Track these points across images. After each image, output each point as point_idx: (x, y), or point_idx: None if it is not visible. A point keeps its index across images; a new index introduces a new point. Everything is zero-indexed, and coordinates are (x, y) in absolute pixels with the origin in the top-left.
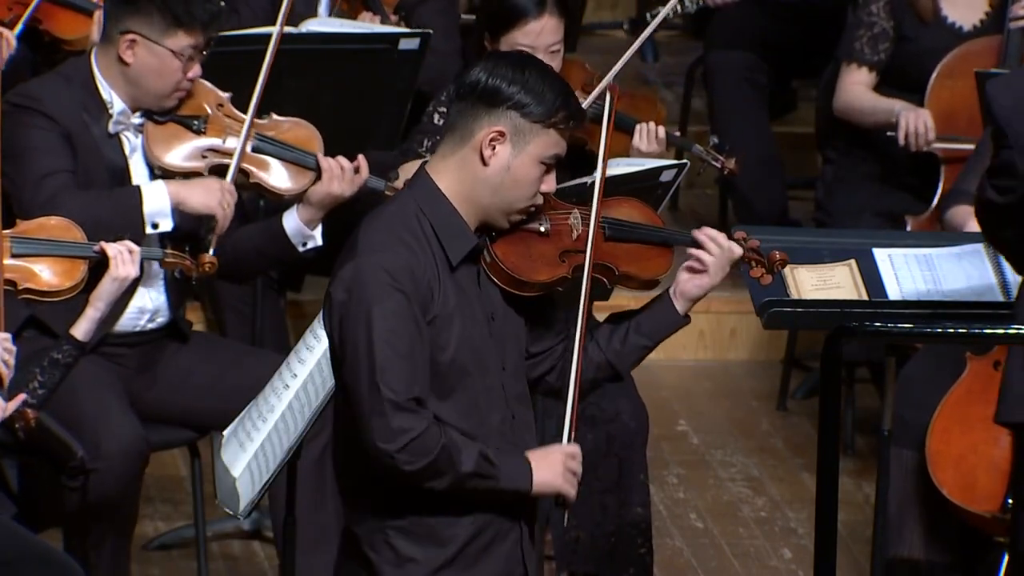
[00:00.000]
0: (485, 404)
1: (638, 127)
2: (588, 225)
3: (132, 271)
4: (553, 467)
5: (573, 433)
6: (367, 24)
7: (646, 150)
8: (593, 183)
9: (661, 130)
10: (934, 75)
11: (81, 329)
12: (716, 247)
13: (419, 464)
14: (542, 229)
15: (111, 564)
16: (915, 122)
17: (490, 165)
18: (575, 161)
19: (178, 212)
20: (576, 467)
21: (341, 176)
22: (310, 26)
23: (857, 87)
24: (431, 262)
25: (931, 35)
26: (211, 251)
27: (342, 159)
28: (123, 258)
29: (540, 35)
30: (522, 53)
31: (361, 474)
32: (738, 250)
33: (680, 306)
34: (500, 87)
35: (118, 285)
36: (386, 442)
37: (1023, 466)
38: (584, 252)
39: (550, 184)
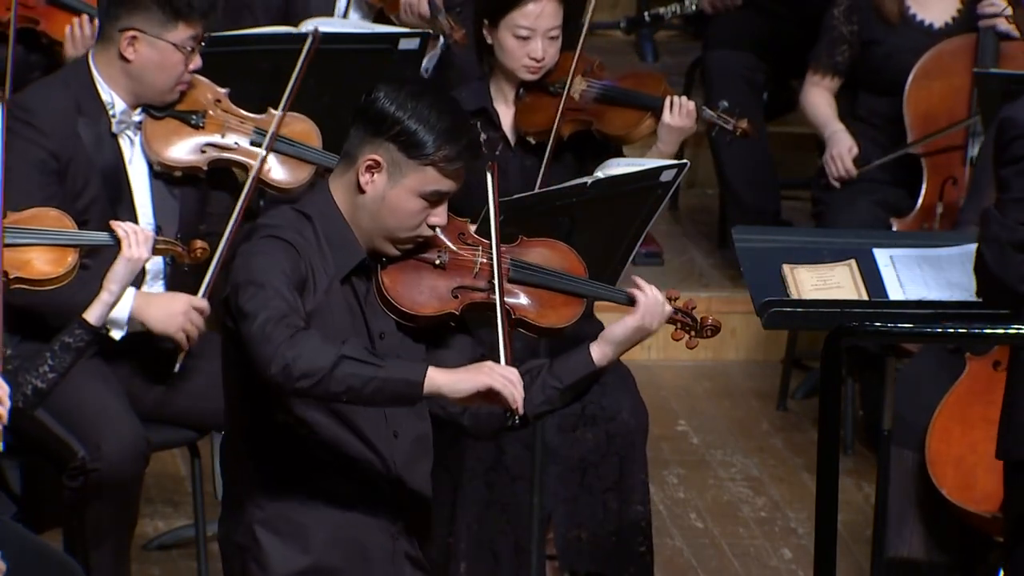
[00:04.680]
0: (360, 415)
1: (669, 99)
2: (492, 263)
3: (144, 252)
4: (471, 370)
5: (509, 359)
6: (367, 24)
7: (679, 125)
8: (585, 183)
9: (692, 105)
10: (911, 77)
11: (94, 313)
12: (644, 294)
13: (290, 354)
14: (437, 262)
15: (112, 564)
16: (836, 169)
17: (367, 192)
18: (595, 147)
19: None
20: (508, 372)
21: None
22: (310, 26)
23: (812, 93)
24: (314, 267)
25: (901, 35)
26: (176, 367)
27: None
28: (135, 239)
29: (539, 17)
30: (426, 84)
31: (240, 464)
32: (668, 308)
33: (598, 349)
34: (386, 115)
35: (131, 266)
36: (265, 343)
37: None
38: (482, 291)
39: (439, 218)
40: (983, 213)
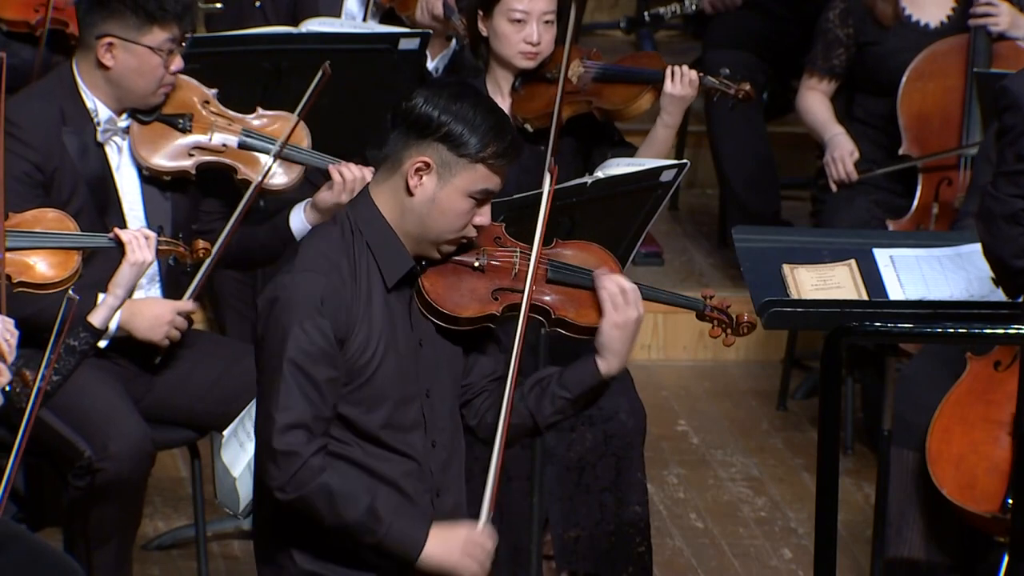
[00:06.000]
0: (406, 427)
1: (670, 69)
2: (529, 264)
3: (148, 256)
4: (450, 544)
5: (491, 512)
6: (368, 24)
7: (680, 94)
8: (585, 183)
9: (693, 73)
10: (904, 78)
11: (99, 316)
12: (603, 287)
13: (292, 495)
14: (476, 264)
15: (114, 564)
16: (836, 171)
17: (415, 195)
18: (595, 130)
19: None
20: (481, 553)
21: (354, 188)
22: (310, 26)
23: (809, 96)
24: (360, 285)
25: (897, 36)
26: (156, 360)
27: (353, 168)
28: (138, 243)
29: (534, 0)
30: (464, 85)
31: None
32: (630, 286)
33: (603, 361)
34: (431, 117)
35: (136, 270)
36: (272, 463)
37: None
38: (520, 292)
39: (484, 218)
40: (981, 191)
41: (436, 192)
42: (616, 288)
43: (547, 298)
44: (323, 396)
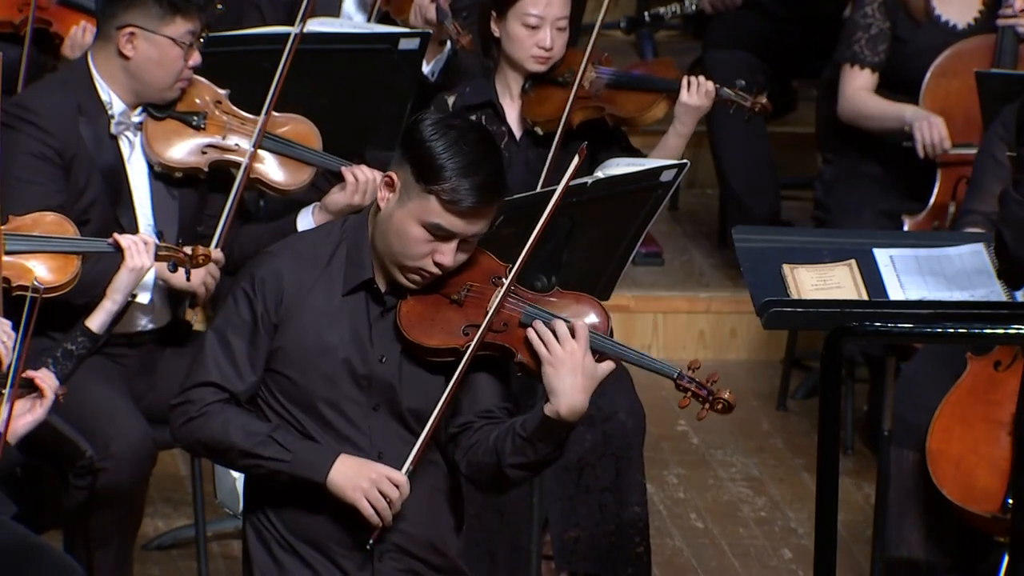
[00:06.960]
0: (344, 434)
1: (686, 79)
2: (510, 307)
3: (147, 261)
4: (357, 476)
5: (413, 466)
6: (368, 24)
7: (696, 104)
8: (585, 183)
9: (710, 84)
10: (928, 75)
11: (97, 321)
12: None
13: (186, 440)
14: (454, 297)
15: (115, 564)
16: (930, 134)
17: (381, 209)
18: (605, 136)
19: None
20: (389, 490)
21: (366, 190)
22: (310, 26)
23: (861, 92)
24: (319, 281)
25: (925, 35)
26: (193, 323)
27: (366, 170)
28: (137, 248)
29: (549, 6)
30: (466, 123)
31: None
32: (572, 326)
33: (548, 402)
34: (415, 137)
35: (135, 276)
36: (171, 416)
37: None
38: (496, 332)
39: (445, 257)
40: (1001, 194)
41: (394, 211)
42: (544, 327)
43: (512, 340)
44: (236, 369)
